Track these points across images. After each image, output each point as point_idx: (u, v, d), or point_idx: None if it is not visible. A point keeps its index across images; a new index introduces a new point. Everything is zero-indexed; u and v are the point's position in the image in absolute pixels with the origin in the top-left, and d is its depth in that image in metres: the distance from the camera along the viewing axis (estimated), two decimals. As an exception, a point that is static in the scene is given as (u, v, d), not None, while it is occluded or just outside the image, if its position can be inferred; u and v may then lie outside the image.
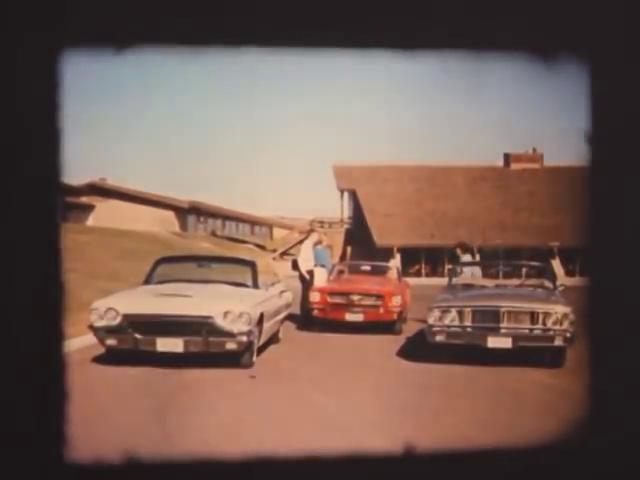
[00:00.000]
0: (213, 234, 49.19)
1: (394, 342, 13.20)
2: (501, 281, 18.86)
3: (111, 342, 10.15)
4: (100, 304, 10.29)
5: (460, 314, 11.14)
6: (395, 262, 19.73)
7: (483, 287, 14.22)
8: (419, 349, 11.94)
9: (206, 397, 8.47)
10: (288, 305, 13.53)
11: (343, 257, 37.02)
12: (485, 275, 15.40)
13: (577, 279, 27.16)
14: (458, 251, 16.00)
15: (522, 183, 42.40)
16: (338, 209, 45.63)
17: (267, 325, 11.28)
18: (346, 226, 44.70)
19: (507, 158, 44.79)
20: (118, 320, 10.06)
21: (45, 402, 1.43)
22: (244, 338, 10.08)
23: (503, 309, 11.05)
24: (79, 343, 10.64)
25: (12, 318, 1.41)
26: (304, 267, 15.81)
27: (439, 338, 11.14)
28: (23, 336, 1.42)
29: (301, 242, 21.96)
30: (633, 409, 1.59)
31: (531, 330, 10.95)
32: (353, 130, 79.06)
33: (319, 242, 16.60)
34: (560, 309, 10.95)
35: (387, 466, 1.61)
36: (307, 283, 15.62)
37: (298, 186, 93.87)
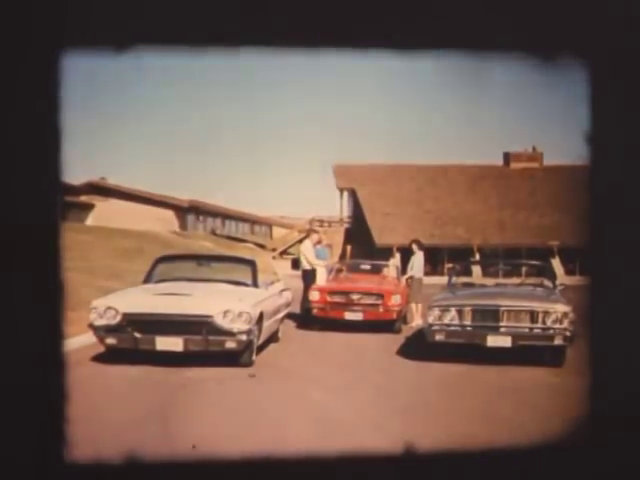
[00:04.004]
0: (213, 233, 49.20)
1: (393, 341, 13.21)
2: (501, 280, 18.88)
3: (111, 341, 10.15)
4: (100, 303, 10.30)
5: (460, 313, 11.14)
6: (395, 261, 19.73)
7: (483, 286, 14.24)
8: (418, 348, 11.95)
9: (206, 396, 8.48)
10: (288, 304, 13.54)
11: (343, 256, 37.04)
12: (485, 274, 15.42)
13: (577, 278, 27.19)
14: (414, 247, 16.62)
15: (522, 182, 42.43)
16: (338, 208, 45.67)
17: (267, 324, 11.29)
18: (346, 225, 44.73)
19: (507, 157, 44.82)
20: (118, 319, 10.06)
21: (45, 402, 1.43)
22: (244, 337, 10.09)
23: (503, 308, 11.05)
24: (79, 342, 10.64)
25: (12, 318, 1.41)
26: (314, 265, 15.78)
27: (439, 337, 11.14)
28: (23, 336, 1.42)
29: (300, 241, 21.97)
30: (633, 409, 1.59)
31: (531, 329, 10.95)
32: (353, 130, 79.10)
33: (319, 241, 16.63)
34: (560, 308, 10.95)
35: (387, 466, 1.62)
36: (309, 282, 15.62)
37: (298, 186, 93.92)
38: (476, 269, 24.91)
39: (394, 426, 7.09)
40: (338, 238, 41.41)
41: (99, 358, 10.32)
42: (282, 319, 13.16)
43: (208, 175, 78.51)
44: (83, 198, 44.23)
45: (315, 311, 14.83)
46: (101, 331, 10.14)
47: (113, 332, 10.09)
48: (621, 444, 1.61)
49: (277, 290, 12.92)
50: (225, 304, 10.20)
